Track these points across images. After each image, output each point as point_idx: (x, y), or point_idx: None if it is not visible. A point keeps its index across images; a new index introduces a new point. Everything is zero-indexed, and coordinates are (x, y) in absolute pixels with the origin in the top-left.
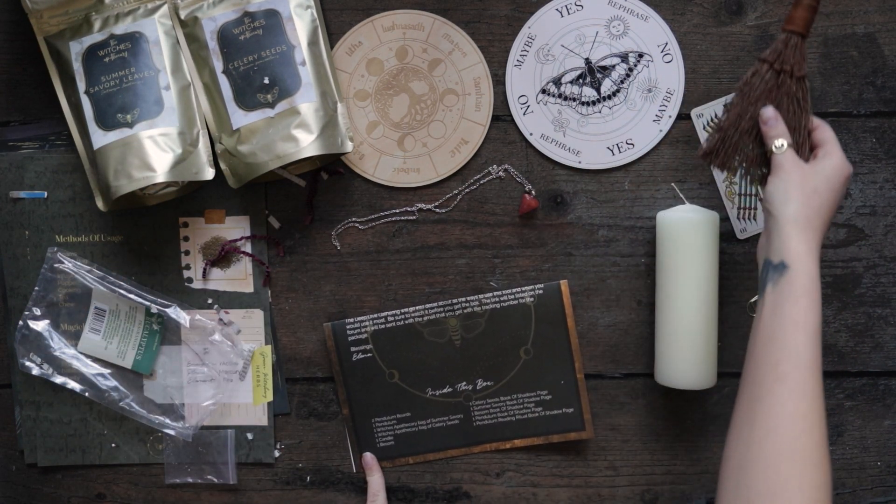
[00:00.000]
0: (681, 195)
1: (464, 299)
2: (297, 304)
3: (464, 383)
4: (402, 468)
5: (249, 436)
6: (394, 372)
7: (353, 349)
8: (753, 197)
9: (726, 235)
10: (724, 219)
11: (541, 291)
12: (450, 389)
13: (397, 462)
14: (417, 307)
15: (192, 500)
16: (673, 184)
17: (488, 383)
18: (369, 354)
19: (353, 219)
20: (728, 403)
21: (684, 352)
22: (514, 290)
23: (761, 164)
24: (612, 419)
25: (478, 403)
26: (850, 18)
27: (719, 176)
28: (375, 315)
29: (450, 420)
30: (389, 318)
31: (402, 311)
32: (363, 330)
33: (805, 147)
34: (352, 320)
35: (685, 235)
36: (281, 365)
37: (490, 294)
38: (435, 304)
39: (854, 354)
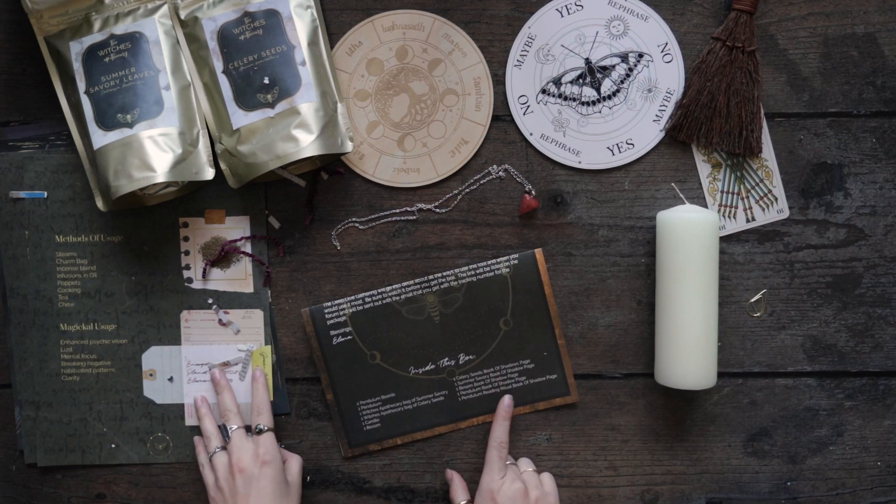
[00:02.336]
0: (681, 195)
1: (440, 275)
2: (297, 304)
3: (446, 359)
4: (403, 468)
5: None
6: (375, 353)
7: (332, 333)
8: (735, 195)
9: (729, 237)
10: None
11: (516, 261)
12: (432, 366)
13: (385, 444)
14: (394, 286)
15: (192, 500)
16: (673, 184)
17: (470, 357)
18: (349, 337)
19: (353, 219)
20: (728, 403)
21: (684, 352)
22: (489, 263)
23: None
24: (612, 419)
25: (461, 378)
26: (850, 18)
27: (702, 172)
28: (353, 297)
29: (435, 397)
30: (367, 300)
31: (380, 290)
32: (341, 313)
33: (754, 132)
34: (329, 304)
35: (685, 235)
36: (281, 365)
37: (465, 268)
38: (412, 282)
39: (854, 354)
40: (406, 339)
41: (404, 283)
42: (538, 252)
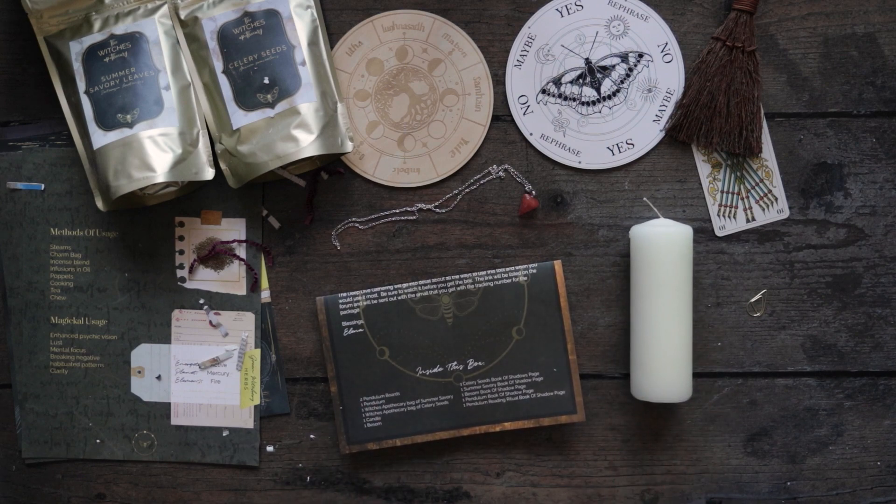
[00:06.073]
0: (654, 209)
1: (457, 276)
2: (297, 304)
3: (455, 363)
4: (403, 468)
5: (235, 437)
6: (384, 349)
7: (344, 324)
8: (735, 195)
9: (728, 236)
10: (707, 219)
11: (534, 271)
12: (440, 369)
13: (384, 444)
14: (411, 283)
15: (192, 500)
16: (645, 198)
17: (479, 363)
18: (360, 330)
19: (353, 219)
20: (728, 403)
21: (660, 366)
22: (507, 269)
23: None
24: (612, 419)
25: (468, 384)
26: (850, 18)
27: (702, 172)
28: (368, 290)
29: (439, 401)
30: (382, 294)
31: (395, 286)
32: (355, 304)
33: (754, 132)
34: (345, 294)
35: (660, 250)
36: (281, 365)
37: (483, 272)
38: (428, 281)
39: (854, 354)
40: (417, 338)
41: (420, 282)
42: (557, 264)
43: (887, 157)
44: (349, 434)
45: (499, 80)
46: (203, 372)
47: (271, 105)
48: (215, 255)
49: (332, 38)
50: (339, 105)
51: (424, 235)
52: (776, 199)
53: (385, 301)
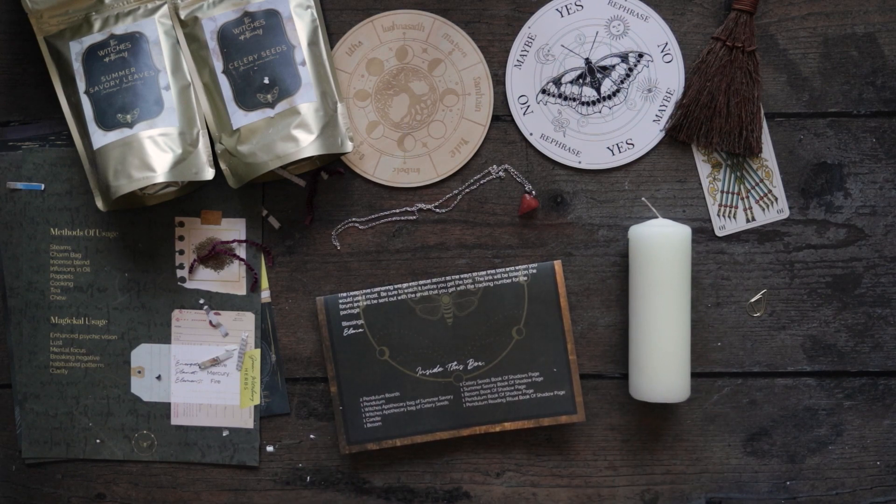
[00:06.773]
0: (653, 209)
1: (457, 276)
2: (297, 304)
3: (455, 363)
4: (403, 468)
5: (234, 437)
6: (384, 349)
7: (344, 324)
8: (735, 195)
9: (729, 237)
10: (707, 219)
11: (534, 271)
12: (440, 369)
13: (384, 444)
14: (411, 283)
15: (192, 500)
16: (644, 198)
17: (479, 363)
18: (360, 330)
19: (353, 219)
20: (728, 403)
21: (659, 366)
22: (507, 269)
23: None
24: (612, 419)
25: (468, 384)
26: (850, 18)
27: (702, 172)
28: (368, 290)
29: (439, 401)
30: (382, 294)
31: (395, 286)
32: (355, 304)
33: (754, 132)
34: (345, 294)
35: (659, 250)
36: (281, 365)
37: (483, 272)
38: (428, 281)
39: (854, 354)
40: (417, 338)
41: (421, 282)
42: (557, 264)
43: (887, 157)
44: (349, 434)
45: (499, 80)
46: (203, 372)
47: (271, 105)
48: (215, 255)
49: (332, 38)
50: (339, 105)
51: (424, 235)
52: (776, 199)
53: (385, 301)
